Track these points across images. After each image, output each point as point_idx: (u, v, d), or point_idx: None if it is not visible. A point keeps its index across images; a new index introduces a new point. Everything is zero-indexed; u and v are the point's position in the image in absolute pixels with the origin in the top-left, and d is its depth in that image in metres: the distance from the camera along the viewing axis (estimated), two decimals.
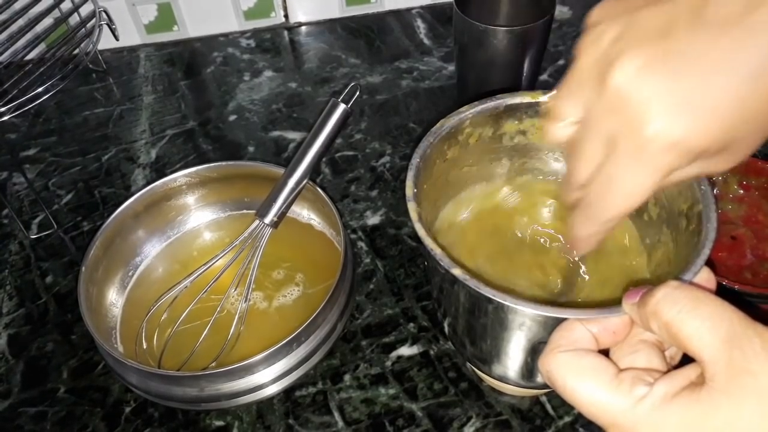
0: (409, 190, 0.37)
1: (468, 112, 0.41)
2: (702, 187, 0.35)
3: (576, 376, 0.27)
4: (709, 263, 0.49)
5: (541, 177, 0.47)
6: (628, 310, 0.28)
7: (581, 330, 0.29)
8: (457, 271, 0.32)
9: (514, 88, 0.63)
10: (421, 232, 0.35)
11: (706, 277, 0.31)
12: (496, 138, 0.44)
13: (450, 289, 0.37)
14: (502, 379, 0.41)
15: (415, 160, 0.38)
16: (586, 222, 0.31)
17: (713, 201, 0.34)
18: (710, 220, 0.34)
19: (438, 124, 0.40)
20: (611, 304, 0.29)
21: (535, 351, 0.35)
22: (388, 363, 0.50)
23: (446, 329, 0.43)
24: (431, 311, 0.53)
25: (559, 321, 0.30)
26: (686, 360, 0.25)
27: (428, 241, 0.34)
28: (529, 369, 0.38)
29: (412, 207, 0.36)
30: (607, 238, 0.44)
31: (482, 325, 0.36)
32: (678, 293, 0.25)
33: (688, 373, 0.25)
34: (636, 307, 0.27)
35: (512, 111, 0.42)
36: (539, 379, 0.39)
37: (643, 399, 0.24)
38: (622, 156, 0.26)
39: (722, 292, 0.49)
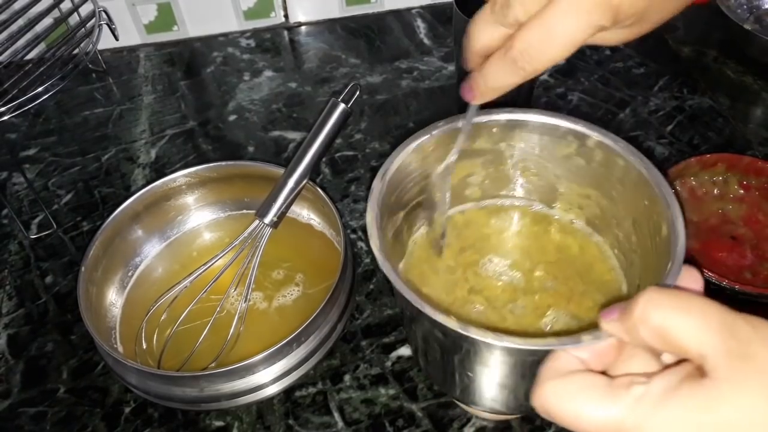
0: (370, 215, 0.37)
1: (435, 131, 0.41)
2: (662, 189, 0.35)
3: (570, 398, 0.26)
4: (709, 263, 0.48)
5: (513, 195, 0.46)
6: (608, 328, 0.27)
7: (566, 357, 0.28)
8: (428, 310, 0.31)
9: (513, 89, 0.63)
10: (386, 267, 0.33)
11: (693, 277, 0.30)
12: (468, 155, 0.43)
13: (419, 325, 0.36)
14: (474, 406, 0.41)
15: (377, 183, 0.38)
16: (510, 71, 0.32)
17: (676, 203, 0.34)
18: (676, 223, 0.33)
19: (404, 143, 0.40)
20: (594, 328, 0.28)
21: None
22: (388, 363, 0.50)
23: (420, 361, 0.42)
24: None
25: (531, 352, 0.29)
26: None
27: (392, 276, 0.33)
28: (504, 397, 0.37)
29: (373, 234, 0.35)
30: (582, 259, 0.42)
31: (456, 359, 0.35)
32: (660, 296, 0.24)
33: (685, 367, 0.24)
34: (618, 322, 0.26)
35: (480, 130, 0.42)
36: (513, 405, 0.38)
37: (643, 397, 0.24)
38: (560, 5, 0.29)
39: (722, 292, 0.49)
